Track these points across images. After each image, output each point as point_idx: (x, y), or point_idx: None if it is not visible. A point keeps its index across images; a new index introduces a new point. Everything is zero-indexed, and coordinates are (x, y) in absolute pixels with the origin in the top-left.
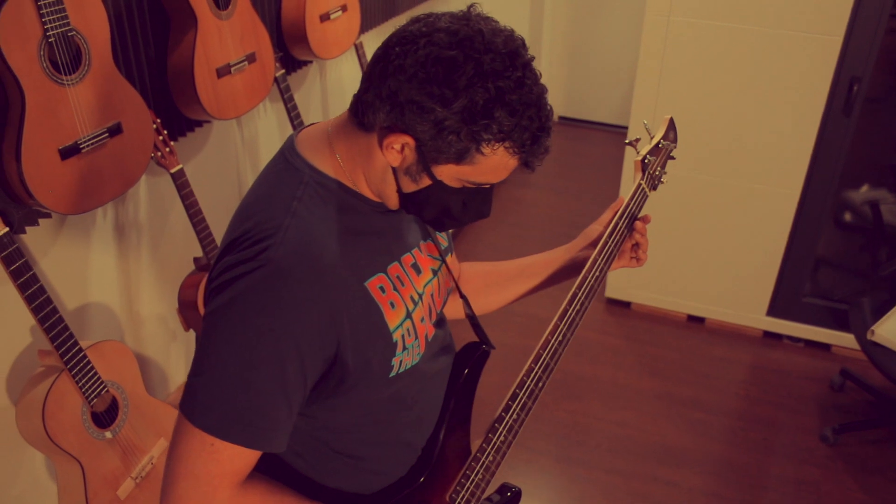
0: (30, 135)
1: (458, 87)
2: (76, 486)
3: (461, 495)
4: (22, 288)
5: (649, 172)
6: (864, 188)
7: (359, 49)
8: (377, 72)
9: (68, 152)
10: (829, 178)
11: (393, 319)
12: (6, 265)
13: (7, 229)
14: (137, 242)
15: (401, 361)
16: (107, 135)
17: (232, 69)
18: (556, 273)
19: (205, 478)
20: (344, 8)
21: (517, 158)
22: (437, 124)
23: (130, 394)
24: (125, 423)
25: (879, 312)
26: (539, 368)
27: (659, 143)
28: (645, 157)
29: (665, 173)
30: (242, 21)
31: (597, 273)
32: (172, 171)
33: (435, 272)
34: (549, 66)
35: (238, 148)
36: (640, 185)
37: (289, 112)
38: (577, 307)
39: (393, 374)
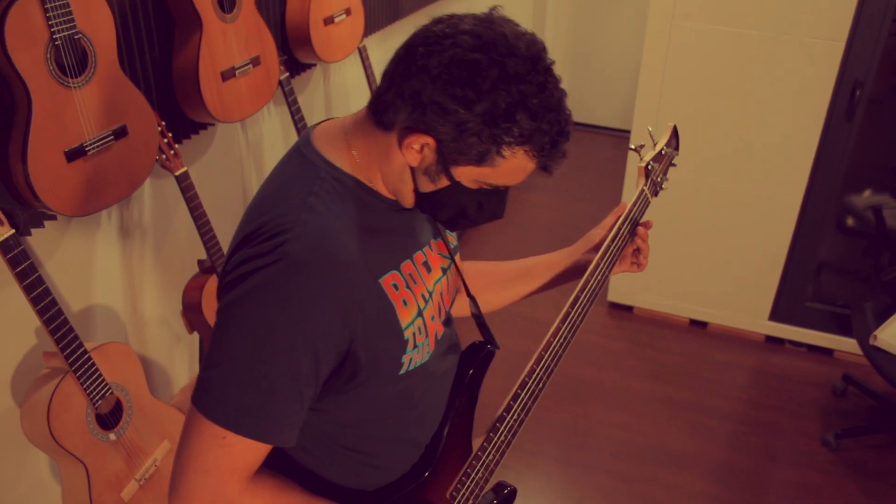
0: (36, 137)
1: (482, 89)
2: (80, 488)
3: (462, 493)
4: (27, 290)
5: (652, 179)
6: (867, 193)
7: (362, 52)
8: (399, 71)
9: (74, 154)
10: (832, 182)
11: (405, 317)
12: (12, 267)
13: (13, 231)
14: (142, 245)
15: (410, 359)
16: (112, 137)
17: (236, 72)
18: (558, 276)
19: (215, 471)
20: (348, 11)
21: (536, 162)
22: (458, 126)
23: (134, 396)
24: (129, 425)
25: (882, 317)
26: (541, 370)
27: (662, 150)
28: (648, 164)
29: (667, 180)
30: (247, 24)
31: (599, 277)
32: (177, 173)
33: (444, 270)
34: None
35: (242, 151)
36: (643, 190)
37: (292, 115)
38: (580, 310)
39: (402, 371)
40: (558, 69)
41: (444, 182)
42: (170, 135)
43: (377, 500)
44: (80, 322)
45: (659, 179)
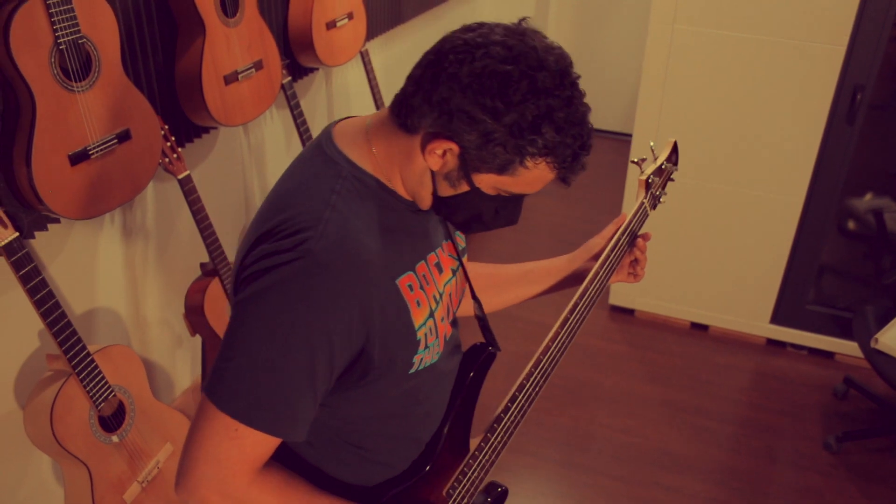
0: (40, 140)
1: (511, 101)
2: (83, 490)
3: (458, 491)
4: (31, 292)
5: (651, 192)
6: (868, 196)
7: (364, 56)
8: (428, 77)
9: (78, 158)
10: (833, 186)
11: (418, 318)
12: (16, 270)
13: (17, 234)
14: (145, 248)
15: (421, 359)
16: (116, 141)
17: (239, 76)
18: (558, 282)
19: (226, 462)
20: (350, 16)
21: (556, 173)
22: (484, 135)
23: (137, 398)
24: (132, 427)
25: (883, 321)
26: (538, 373)
27: (662, 164)
28: (649, 177)
29: (665, 194)
30: (250, 28)
31: (598, 285)
32: (180, 176)
33: (454, 272)
34: None
35: (244, 154)
36: (642, 203)
37: (295, 119)
38: (578, 317)
39: (412, 370)
40: None
41: (464, 188)
42: (173, 138)
43: (376, 496)
44: (82, 324)
45: (658, 193)
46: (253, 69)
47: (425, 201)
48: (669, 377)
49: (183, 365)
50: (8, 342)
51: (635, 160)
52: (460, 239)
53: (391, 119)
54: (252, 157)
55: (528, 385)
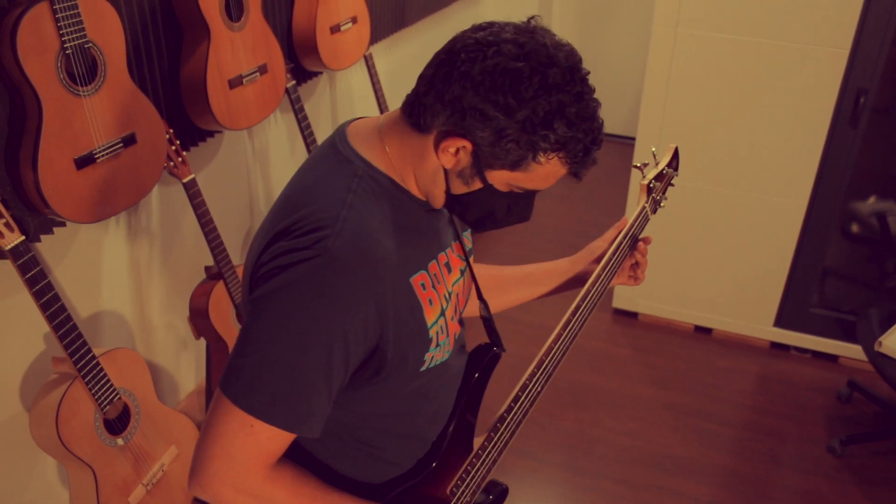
0: (46, 144)
1: (524, 97)
2: (88, 493)
3: (461, 489)
4: (37, 296)
5: (653, 196)
6: (872, 199)
7: (368, 60)
8: (440, 76)
9: (84, 162)
10: (836, 189)
11: (430, 316)
12: (22, 273)
13: (23, 238)
14: (150, 251)
15: (432, 357)
16: (121, 145)
17: (244, 80)
18: (560, 285)
19: (240, 458)
20: (354, 20)
21: (568, 168)
22: (497, 132)
23: (142, 401)
24: (137, 430)
25: (887, 324)
26: (541, 374)
27: (664, 170)
28: (651, 182)
29: (665, 198)
30: (254, 33)
31: (599, 288)
32: (185, 180)
33: (462, 272)
34: None
35: (249, 158)
36: (644, 207)
37: (299, 122)
38: (580, 319)
39: (424, 368)
40: None
41: (477, 185)
42: (178, 142)
43: (382, 493)
44: (88, 327)
45: (658, 198)
46: (257, 73)
47: (438, 200)
48: (673, 380)
49: (187, 368)
50: (14, 345)
51: (638, 165)
52: (467, 240)
53: (403, 119)
54: (256, 160)
55: (530, 385)
